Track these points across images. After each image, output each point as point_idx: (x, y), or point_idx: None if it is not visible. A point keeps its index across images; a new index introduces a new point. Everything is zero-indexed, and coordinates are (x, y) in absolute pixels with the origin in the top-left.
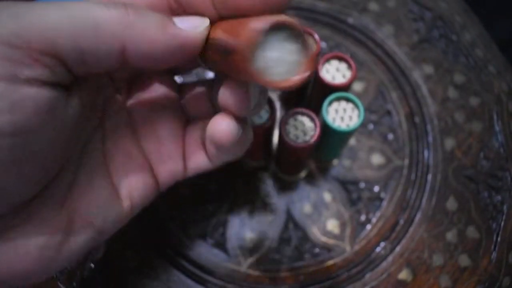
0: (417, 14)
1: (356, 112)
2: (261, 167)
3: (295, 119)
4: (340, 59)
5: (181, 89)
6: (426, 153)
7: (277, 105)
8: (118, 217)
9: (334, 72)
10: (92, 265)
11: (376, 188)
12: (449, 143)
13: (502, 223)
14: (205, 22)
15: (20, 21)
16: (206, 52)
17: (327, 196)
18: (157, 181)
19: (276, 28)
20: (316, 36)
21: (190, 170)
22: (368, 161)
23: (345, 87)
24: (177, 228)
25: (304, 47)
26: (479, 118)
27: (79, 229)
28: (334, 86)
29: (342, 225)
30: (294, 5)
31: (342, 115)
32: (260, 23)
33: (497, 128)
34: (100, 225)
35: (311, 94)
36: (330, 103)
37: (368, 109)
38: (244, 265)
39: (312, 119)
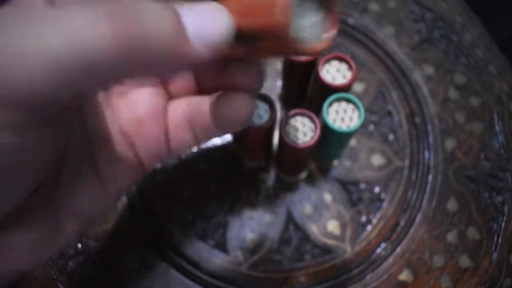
0: (418, 15)
1: (356, 113)
2: (261, 168)
3: (296, 120)
4: (341, 59)
5: None
6: (426, 153)
7: (277, 106)
8: (105, 202)
9: (335, 72)
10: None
11: (377, 189)
12: (450, 143)
13: (503, 224)
14: (228, 20)
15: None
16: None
17: (328, 197)
18: (141, 162)
19: None
20: None
21: (174, 149)
22: (369, 161)
23: (346, 88)
24: (177, 229)
25: (324, 5)
26: (479, 118)
27: (68, 221)
28: (334, 87)
29: (343, 226)
30: None
31: (342, 116)
32: None
33: (497, 128)
34: (88, 214)
35: (311, 95)
36: (331, 104)
37: (368, 110)
38: (245, 266)
39: (312, 120)
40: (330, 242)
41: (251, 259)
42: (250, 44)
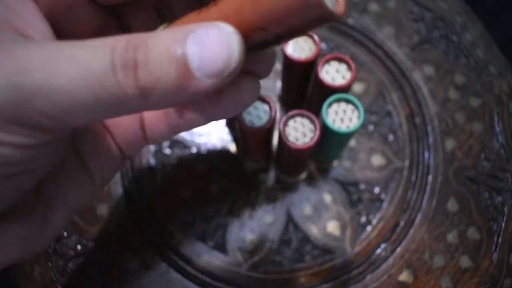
0: (418, 15)
1: (356, 113)
2: (261, 169)
3: (295, 121)
4: (340, 60)
5: None
6: (426, 154)
7: (277, 106)
8: (92, 192)
9: (334, 73)
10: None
11: (377, 190)
12: (450, 144)
13: (503, 224)
14: (234, 46)
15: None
16: None
17: (327, 198)
18: (122, 151)
19: None
20: (316, 37)
21: (151, 138)
22: (369, 162)
23: (345, 89)
24: (177, 229)
25: None
26: (479, 118)
27: (56, 212)
28: (334, 87)
29: (343, 227)
30: None
31: (342, 116)
32: None
33: (497, 129)
34: (75, 204)
35: (311, 95)
36: (330, 104)
37: (368, 110)
38: (245, 267)
39: (312, 121)
40: (330, 242)
41: (251, 260)
42: (274, 40)
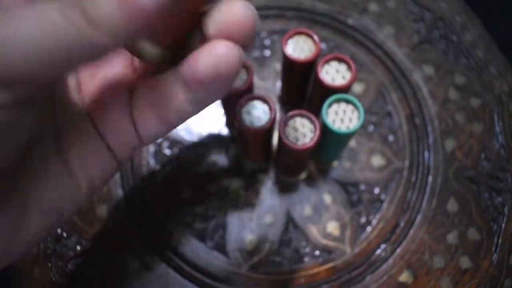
0: (417, 15)
1: (356, 114)
2: (261, 169)
3: (295, 121)
4: (340, 60)
5: None
6: (426, 154)
7: (277, 107)
8: (76, 197)
9: (334, 73)
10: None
11: (377, 190)
12: (450, 144)
13: (503, 225)
14: None
15: None
16: None
17: (327, 198)
18: (114, 154)
19: None
20: (316, 38)
21: (145, 137)
22: (368, 162)
23: (345, 89)
24: (177, 230)
25: None
26: (480, 119)
27: (33, 215)
28: (334, 87)
29: (342, 227)
30: (293, 6)
31: (342, 117)
32: None
33: (498, 129)
34: (56, 209)
35: (310, 96)
36: (330, 105)
37: (368, 111)
38: (244, 268)
39: (311, 121)
40: (329, 243)
41: (251, 260)
42: None
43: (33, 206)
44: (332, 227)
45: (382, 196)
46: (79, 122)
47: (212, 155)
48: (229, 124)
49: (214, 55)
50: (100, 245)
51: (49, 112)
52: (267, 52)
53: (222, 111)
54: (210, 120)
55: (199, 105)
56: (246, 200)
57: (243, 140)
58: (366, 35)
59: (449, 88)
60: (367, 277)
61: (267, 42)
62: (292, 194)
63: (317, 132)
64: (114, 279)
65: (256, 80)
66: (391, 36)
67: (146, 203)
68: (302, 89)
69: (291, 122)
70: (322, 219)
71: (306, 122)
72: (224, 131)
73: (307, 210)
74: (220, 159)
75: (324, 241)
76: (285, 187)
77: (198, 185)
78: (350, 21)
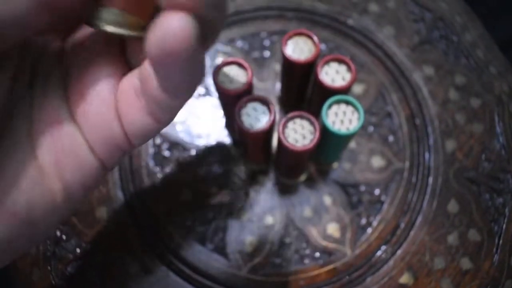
0: (418, 15)
1: (356, 115)
2: (261, 171)
3: (295, 123)
4: (340, 61)
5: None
6: (427, 155)
7: (276, 108)
8: (50, 206)
9: (334, 74)
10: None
11: (377, 191)
12: (450, 145)
13: (504, 226)
14: None
15: None
16: None
17: (327, 200)
18: (97, 155)
19: None
20: (315, 38)
21: (132, 135)
22: (369, 163)
23: (345, 90)
24: (177, 233)
25: None
26: (480, 119)
27: None
28: (333, 89)
29: (343, 229)
30: (293, 7)
31: (342, 118)
32: None
33: (498, 129)
34: (24, 214)
35: (310, 97)
36: (330, 106)
37: (368, 111)
38: (244, 270)
39: (311, 123)
40: (330, 245)
41: (251, 262)
42: None
43: None
44: (332, 229)
45: (383, 197)
46: (56, 106)
47: (212, 157)
48: (228, 125)
49: (160, 29)
50: (99, 248)
51: (25, 77)
52: (267, 53)
53: (221, 112)
54: (210, 122)
55: (170, 94)
56: (246, 202)
57: (242, 141)
58: (366, 35)
59: (449, 89)
60: (367, 279)
61: (266, 42)
62: (292, 196)
63: (317, 134)
64: (114, 281)
65: (255, 81)
66: (391, 37)
67: (146, 205)
68: (302, 90)
69: (290, 124)
70: (322, 220)
71: (305, 123)
72: (224, 132)
73: (307, 212)
74: (219, 160)
75: (324, 243)
76: (285, 189)
77: (198, 187)
78: (350, 22)
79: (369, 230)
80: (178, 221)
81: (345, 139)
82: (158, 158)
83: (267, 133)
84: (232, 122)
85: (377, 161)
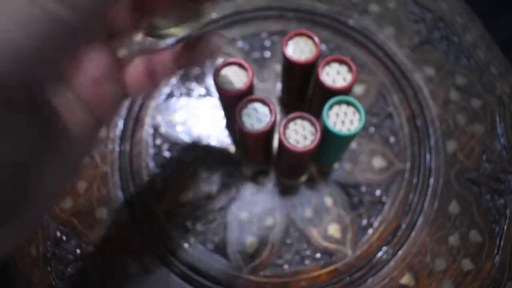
0: (418, 15)
1: (357, 115)
2: (262, 172)
3: (295, 123)
4: (341, 62)
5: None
6: (428, 156)
7: (277, 109)
8: None
9: (335, 75)
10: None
11: (378, 192)
12: (451, 145)
13: (505, 227)
14: None
15: None
16: None
17: (328, 200)
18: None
19: None
20: (316, 39)
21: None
22: (370, 164)
23: (346, 91)
24: (177, 233)
25: None
26: (481, 120)
27: None
28: (334, 89)
29: (344, 230)
30: (294, 7)
31: (343, 119)
32: None
33: (499, 130)
34: None
35: (311, 97)
36: (331, 107)
37: (369, 112)
38: (245, 271)
39: (312, 123)
40: (331, 246)
41: (251, 263)
42: None
43: None
44: (333, 230)
45: (384, 198)
46: None
47: (212, 158)
48: (229, 126)
49: None
50: (100, 248)
51: None
52: (267, 54)
53: (221, 113)
54: (210, 122)
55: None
56: (247, 202)
57: (243, 142)
58: (367, 36)
59: (450, 89)
60: (368, 280)
61: (267, 43)
62: (292, 196)
63: (318, 135)
64: (114, 282)
65: (256, 82)
66: (392, 37)
67: (146, 206)
68: (303, 91)
69: (291, 124)
70: (323, 221)
71: (306, 124)
72: (224, 133)
73: (308, 213)
74: (220, 161)
75: (325, 244)
76: (285, 189)
77: (198, 187)
78: (351, 22)
79: (370, 231)
80: (178, 221)
81: (346, 140)
82: (158, 159)
83: (268, 133)
84: (233, 123)
85: (378, 162)
